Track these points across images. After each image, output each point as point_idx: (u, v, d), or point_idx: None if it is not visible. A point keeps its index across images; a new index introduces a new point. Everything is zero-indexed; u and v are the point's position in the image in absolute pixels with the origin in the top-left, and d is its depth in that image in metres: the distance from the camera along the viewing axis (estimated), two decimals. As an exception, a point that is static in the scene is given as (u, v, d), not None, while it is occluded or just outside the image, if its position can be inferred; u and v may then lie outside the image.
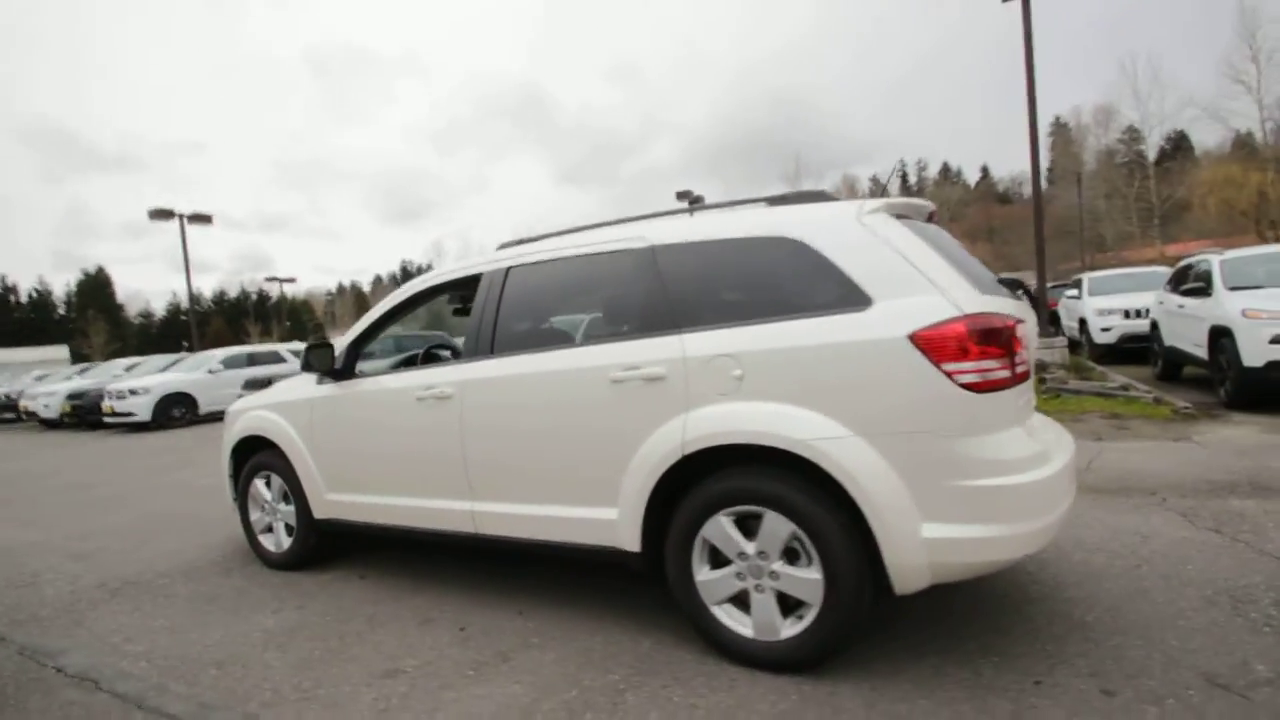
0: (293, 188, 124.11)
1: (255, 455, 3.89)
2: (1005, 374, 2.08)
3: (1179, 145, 44.41)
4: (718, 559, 2.42)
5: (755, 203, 2.71)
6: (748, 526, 2.34)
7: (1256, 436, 5.42)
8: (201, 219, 22.20)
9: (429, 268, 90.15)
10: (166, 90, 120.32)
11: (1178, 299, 7.92)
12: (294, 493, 3.66)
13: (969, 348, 2.03)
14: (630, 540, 2.53)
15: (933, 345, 2.05)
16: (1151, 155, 39.54)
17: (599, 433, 2.58)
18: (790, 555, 2.28)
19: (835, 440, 2.13)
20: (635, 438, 2.50)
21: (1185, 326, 7.67)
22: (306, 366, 3.43)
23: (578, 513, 2.67)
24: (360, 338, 3.51)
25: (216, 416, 12.69)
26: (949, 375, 2.03)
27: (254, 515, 3.93)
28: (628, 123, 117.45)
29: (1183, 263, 8.65)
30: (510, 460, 2.82)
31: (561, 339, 2.85)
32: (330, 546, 3.78)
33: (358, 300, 73.12)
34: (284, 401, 3.70)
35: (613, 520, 2.57)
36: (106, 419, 13.25)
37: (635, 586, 3.09)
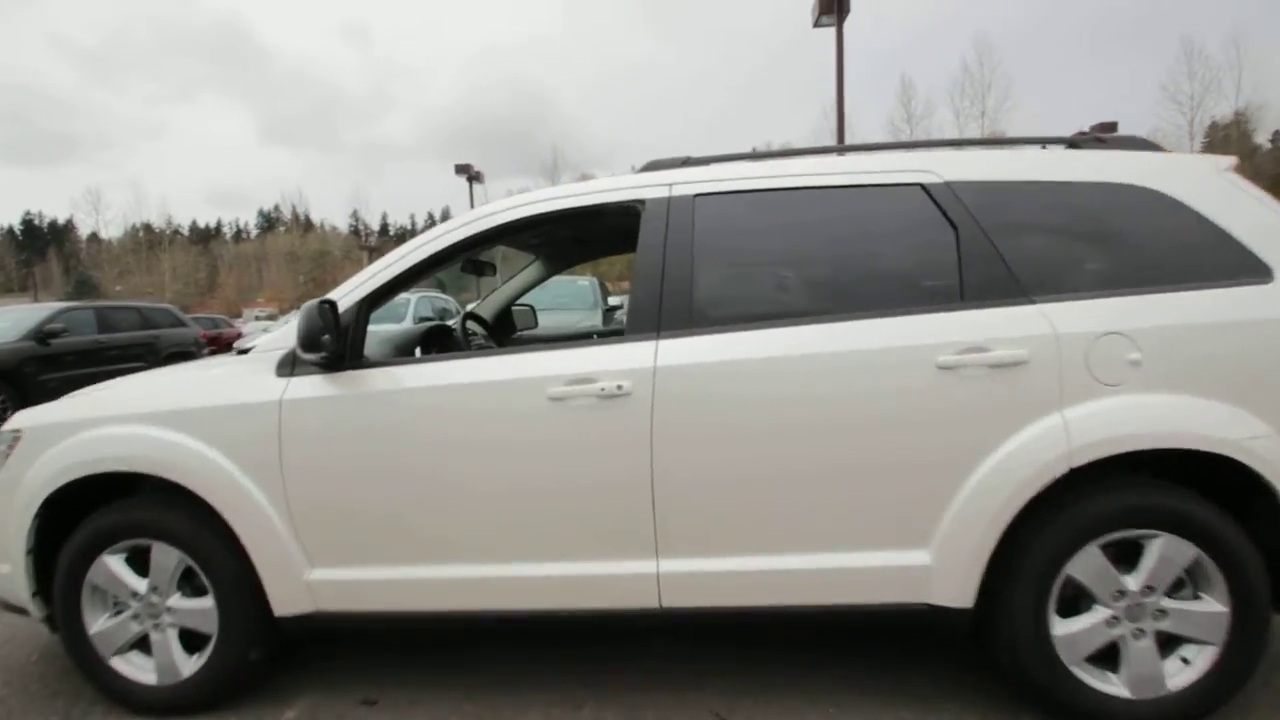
0: None
1: (102, 512, 2.09)
2: None
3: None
4: (1065, 603, 1.84)
5: (1042, 143, 2.17)
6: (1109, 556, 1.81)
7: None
8: None
9: (69, 223, 69.05)
10: None
11: None
12: (219, 574, 2.02)
13: None
14: (957, 593, 1.81)
15: None
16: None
17: (913, 441, 1.80)
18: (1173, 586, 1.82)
19: (1264, 439, 1.72)
20: (977, 447, 1.78)
21: None
22: (312, 345, 1.85)
23: (859, 560, 1.84)
24: (373, 298, 2.06)
25: None
26: None
27: (97, 624, 2.11)
28: (355, 86, 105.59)
29: None
30: (746, 491, 1.84)
31: (824, 306, 1.93)
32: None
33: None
34: (199, 410, 2.00)
35: (924, 566, 1.82)
36: None
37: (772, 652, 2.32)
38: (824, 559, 1.85)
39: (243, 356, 2.15)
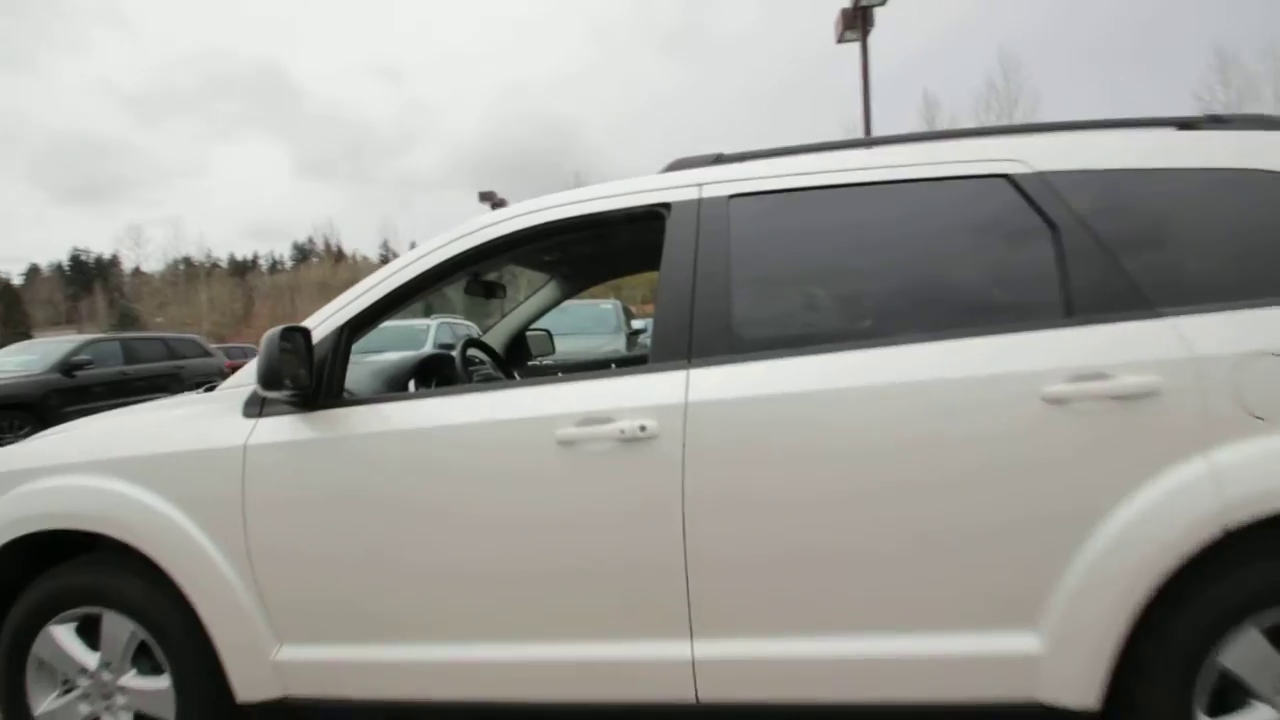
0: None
1: (49, 575, 1.82)
2: None
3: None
4: (1215, 701, 1.44)
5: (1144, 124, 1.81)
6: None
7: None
8: None
9: (114, 259, 71.87)
10: None
11: None
12: (175, 650, 1.72)
13: None
14: (1077, 689, 1.42)
15: None
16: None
17: (1014, 494, 1.43)
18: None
19: None
20: (1096, 501, 1.41)
21: None
22: (273, 381, 1.56)
23: (947, 645, 1.47)
24: (355, 324, 1.78)
25: None
26: None
27: (43, 705, 1.82)
28: (385, 123, 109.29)
29: None
30: (800, 557, 1.49)
31: (891, 326, 1.59)
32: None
33: (3, 297, 55.12)
34: (149, 457, 1.73)
35: (1031, 655, 1.44)
36: None
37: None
38: (901, 643, 1.49)
39: (209, 394, 1.88)
